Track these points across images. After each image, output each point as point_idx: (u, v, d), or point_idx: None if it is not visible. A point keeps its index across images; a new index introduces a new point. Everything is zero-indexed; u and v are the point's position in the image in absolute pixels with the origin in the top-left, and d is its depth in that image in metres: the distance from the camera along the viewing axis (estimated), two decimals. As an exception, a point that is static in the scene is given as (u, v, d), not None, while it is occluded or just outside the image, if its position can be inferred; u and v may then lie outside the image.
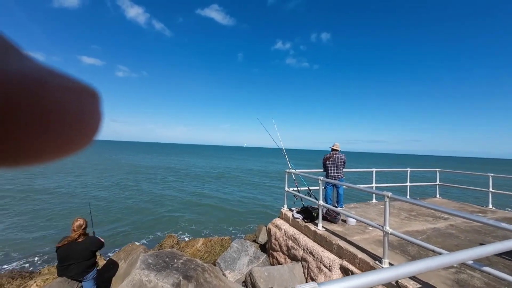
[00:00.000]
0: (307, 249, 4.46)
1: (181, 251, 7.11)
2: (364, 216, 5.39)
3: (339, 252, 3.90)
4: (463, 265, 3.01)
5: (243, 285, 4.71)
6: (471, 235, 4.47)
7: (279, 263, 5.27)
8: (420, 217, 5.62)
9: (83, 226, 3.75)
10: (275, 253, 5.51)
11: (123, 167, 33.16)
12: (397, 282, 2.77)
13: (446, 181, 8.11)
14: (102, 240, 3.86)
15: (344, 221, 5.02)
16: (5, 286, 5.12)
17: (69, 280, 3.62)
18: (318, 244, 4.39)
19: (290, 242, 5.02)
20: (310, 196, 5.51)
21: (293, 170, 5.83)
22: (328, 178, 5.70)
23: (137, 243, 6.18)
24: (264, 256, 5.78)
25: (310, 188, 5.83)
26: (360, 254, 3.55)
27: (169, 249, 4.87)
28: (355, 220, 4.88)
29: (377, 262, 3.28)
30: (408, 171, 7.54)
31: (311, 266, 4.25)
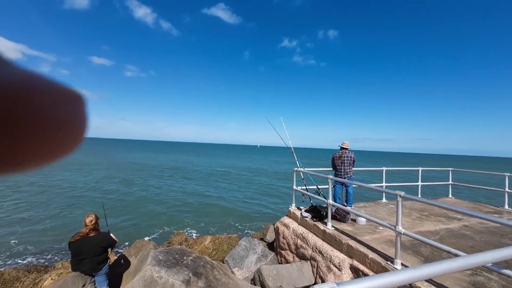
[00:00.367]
0: (316, 248, 4.43)
1: (189, 248, 7.20)
2: (374, 215, 5.30)
3: (349, 252, 3.85)
4: (479, 266, 2.92)
5: (251, 283, 4.72)
6: (486, 236, 4.34)
7: (287, 261, 5.25)
8: (432, 217, 5.49)
9: (94, 222, 3.83)
10: (283, 252, 5.50)
11: (131, 165, 33.76)
12: (410, 284, 2.71)
13: (457, 181, 7.89)
14: (116, 239, 3.94)
15: (354, 220, 4.95)
16: (21, 279, 5.29)
17: (83, 275, 3.72)
18: (327, 243, 4.35)
19: (299, 241, 4.99)
20: (319, 195, 5.46)
21: (302, 169, 5.79)
22: (337, 177, 5.63)
23: (147, 240, 6.29)
24: (272, 255, 5.78)
25: (319, 186, 5.77)
26: (371, 254, 3.50)
27: (178, 246, 4.93)
28: (365, 220, 4.81)
29: (389, 262, 3.22)
30: (420, 170, 7.37)
31: (320, 265, 4.21)
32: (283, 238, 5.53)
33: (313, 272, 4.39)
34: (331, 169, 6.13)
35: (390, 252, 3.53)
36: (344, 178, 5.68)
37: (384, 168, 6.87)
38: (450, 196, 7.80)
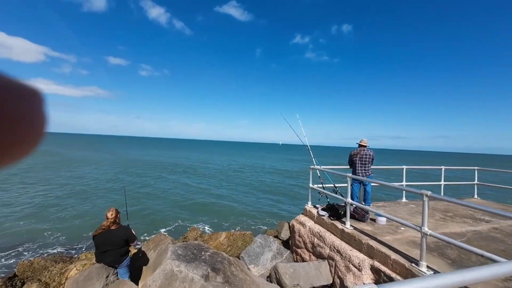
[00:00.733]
0: (334, 248, 4.34)
1: (205, 243, 7.31)
2: (394, 215, 5.11)
3: (370, 252, 3.74)
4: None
5: (267, 280, 4.72)
6: (519, 240, 4.07)
7: (303, 260, 5.20)
8: (457, 218, 5.23)
9: (114, 216, 3.97)
10: (299, 250, 5.45)
11: (145, 163, 34.76)
12: None
13: (482, 181, 7.44)
14: (135, 235, 4.07)
15: (373, 220, 4.81)
16: (49, 268, 5.59)
17: (106, 266, 3.86)
18: (346, 242, 4.25)
19: (315, 239, 4.92)
20: (336, 194, 5.35)
21: (318, 167, 5.69)
22: (355, 175, 5.48)
23: (164, 233, 6.46)
24: (287, 253, 5.74)
25: (336, 185, 5.65)
26: (394, 255, 3.38)
27: (195, 242, 5.01)
28: (385, 219, 4.66)
29: (413, 264, 3.10)
30: (443, 169, 7.03)
31: (338, 265, 4.13)
32: (299, 236, 5.47)
33: (330, 271, 4.31)
34: (348, 167, 5.98)
35: (414, 253, 3.39)
36: (362, 176, 5.52)
37: (405, 167, 6.60)
38: (476, 196, 7.40)
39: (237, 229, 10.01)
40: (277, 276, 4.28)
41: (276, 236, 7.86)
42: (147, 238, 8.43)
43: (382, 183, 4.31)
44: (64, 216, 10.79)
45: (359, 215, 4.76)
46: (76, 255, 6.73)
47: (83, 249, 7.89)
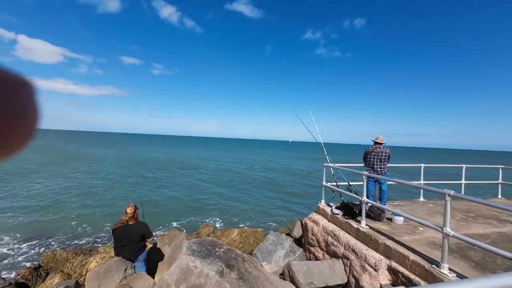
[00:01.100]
0: (349, 247, 4.27)
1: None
2: (412, 215, 4.95)
3: (387, 252, 3.64)
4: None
5: (280, 278, 4.72)
6: (549, 243, 3.83)
7: (316, 258, 5.15)
8: (479, 219, 4.99)
9: (133, 211, 4.10)
10: (312, 248, 5.40)
11: (159, 160, 35.57)
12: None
13: (508, 180, 7.05)
14: (151, 232, 4.18)
15: (389, 219, 4.68)
16: (70, 260, 5.86)
17: (124, 260, 3.99)
18: (362, 242, 4.17)
19: (329, 238, 4.85)
20: (350, 192, 5.24)
21: (332, 164, 5.59)
22: (370, 173, 5.34)
23: (175, 225, 6.61)
24: (300, 251, 5.71)
25: (350, 183, 5.53)
26: (412, 256, 3.27)
27: (209, 238, 5.07)
28: (402, 219, 4.53)
29: (434, 266, 2.99)
30: (463, 168, 6.72)
31: (353, 264, 4.06)
32: (312, 234, 5.42)
33: (345, 270, 4.24)
34: (363, 165, 5.83)
35: (434, 255, 3.27)
36: (378, 174, 5.37)
37: (423, 165, 6.36)
38: (500, 196, 7.04)
39: (247, 225, 10.08)
40: (291, 274, 4.27)
41: (288, 234, 7.84)
42: (160, 233, 8.64)
43: (401, 181, 4.18)
44: (83, 210, 11.26)
45: (374, 214, 4.65)
46: (95, 248, 7.00)
47: (102, 242, 8.21)
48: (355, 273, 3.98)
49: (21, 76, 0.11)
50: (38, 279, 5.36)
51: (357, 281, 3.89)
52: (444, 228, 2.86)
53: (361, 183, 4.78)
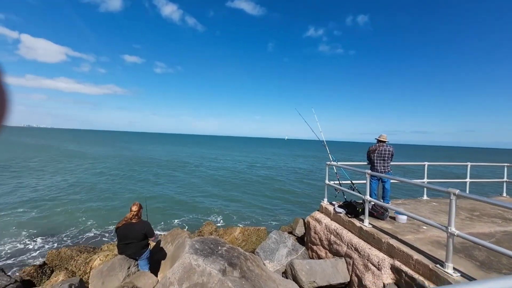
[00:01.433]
0: (352, 246, 4.25)
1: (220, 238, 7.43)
2: (416, 214, 4.91)
3: (390, 251, 3.61)
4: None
5: (282, 276, 4.72)
6: (556, 242, 3.77)
7: (319, 257, 5.14)
8: (484, 218, 4.93)
9: (137, 209, 4.12)
10: (314, 247, 5.39)
11: (160, 158, 35.74)
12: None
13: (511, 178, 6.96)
14: (153, 231, 4.20)
15: (393, 218, 4.64)
16: (75, 258, 5.93)
17: (127, 258, 4.02)
18: (364, 241, 4.14)
19: (332, 237, 4.84)
20: (353, 190, 5.21)
21: (335, 163, 5.55)
22: (373, 171, 5.30)
23: (180, 227, 6.64)
24: (302, 249, 5.71)
25: (353, 181, 5.50)
26: (416, 255, 3.24)
27: (212, 236, 5.08)
28: (406, 218, 4.49)
29: (438, 265, 2.95)
30: (468, 166, 6.63)
31: (356, 263, 4.04)
32: (315, 233, 5.41)
33: (348, 269, 4.23)
34: (366, 163, 5.79)
35: (438, 254, 3.24)
36: (381, 173, 5.33)
37: (426, 163, 6.30)
38: (505, 194, 6.95)
39: (250, 223, 10.10)
40: (293, 272, 4.26)
41: (290, 232, 7.84)
42: (159, 232, 8.69)
43: (404, 180, 4.14)
44: (88, 207, 11.37)
45: (377, 213, 4.61)
46: (98, 246, 7.07)
47: (106, 240, 8.29)
48: (358, 272, 3.96)
49: None
50: (43, 276, 5.43)
51: (360, 280, 3.87)
52: (449, 228, 2.82)
53: (364, 181, 4.74)
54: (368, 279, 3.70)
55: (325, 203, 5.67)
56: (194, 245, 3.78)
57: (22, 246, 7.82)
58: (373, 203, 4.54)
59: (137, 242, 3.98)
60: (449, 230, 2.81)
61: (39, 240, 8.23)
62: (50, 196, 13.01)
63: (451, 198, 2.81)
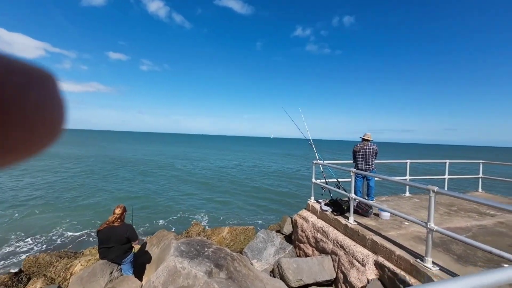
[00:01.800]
0: (337, 243, 4.32)
1: (207, 239, 7.34)
2: (398, 210, 5.07)
3: (374, 248, 3.71)
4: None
5: (270, 275, 4.73)
6: (525, 234, 4.01)
7: (306, 255, 5.20)
8: (461, 212, 5.17)
9: (121, 212, 3.98)
10: (302, 245, 5.44)
11: (146, 159, 34.92)
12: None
13: (487, 174, 7.36)
14: (137, 235, 4.08)
15: (377, 215, 4.77)
16: (54, 264, 5.65)
17: (110, 262, 3.88)
18: (350, 238, 4.23)
19: (319, 234, 4.90)
20: (339, 188, 5.30)
21: (321, 162, 5.62)
22: (358, 170, 5.42)
23: (167, 228, 6.50)
24: (290, 247, 5.75)
25: (339, 179, 5.60)
26: (398, 251, 3.34)
27: (198, 238, 5.01)
28: (389, 214, 4.62)
29: (418, 260, 3.06)
30: (447, 163, 6.93)
31: (342, 260, 4.11)
32: (302, 231, 5.46)
33: (334, 266, 4.30)
34: (351, 161, 5.91)
35: (419, 249, 3.36)
36: (366, 171, 5.46)
37: (409, 161, 6.52)
38: (480, 190, 7.33)
39: (238, 223, 10.07)
40: (280, 271, 4.28)
41: (278, 231, 7.88)
42: (141, 237, 8.49)
43: (386, 177, 4.25)
44: (69, 210, 10.89)
45: (362, 210, 4.72)
46: (80, 251, 6.79)
47: (88, 244, 7.97)
48: (343, 268, 4.03)
49: (43, 68, 0.11)
50: (19, 284, 5.14)
51: (345, 276, 3.95)
52: (428, 223, 2.92)
53: (350, 179, 4.84)
54: (353, 275, 3.77)
55: (312, 201, 5.74)
56: (179, 247, 3.71)
57: (-4, 253, 7.38)
58: (358, 200, 4.63)
59: (120, 246, 3.84)
60: (428, 226, 2.91)
61: (14, 245, 7.79)
62: (26, 198, 12.36)
63: (430, 195, 2.91)
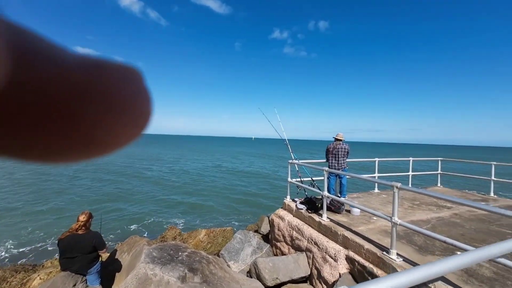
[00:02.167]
0: (312, 240, 4.45)
1: (184, 242, 7.13)
2: (367, 206, 5.35)
3: (345, 243, 3.87)
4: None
5: (247, 276, 4.73)
6: (475, 224, 4.47)
7: (282, 253, 5.28)
8: (423, 206, 5.62)
9: (86, 219, 3.70)
10: (278, 244, 5.52)
11: (119, 160, 33.08)
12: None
13: (446, 170, 8.10)
14: (105, 243, 3.81)
15: (348, 211, 4.99)
16: (8, 279, 5.10)
17: (73, 274, 3.59)
18: (323, 234, 4.37)
19: (294, 232, 5.00)
20: (314, 187, 5.46)
21: (296, 161, 5.75)
22: (331, 168, 5.64)
23: (140, 234, 6.20)
24: (267, 247, 5.80)
25: (313, 178, 5.77)
26: (367, 245, 3.53)
27: (172, 242, 4.85)
28: (359, 210, 4.85)
29: (384, 253, 3.26)
30: (411, 161, 7.49)
31: (316, 257, 4.24)
32: (278, 230, 5.53)
33: (308, 263, 4.42)
34: (325, 160, 6.12)
35: (385, 242, 3.57)
36: (338, 169, 5.69)
37: (377, 159, 6.93)
38: (439, 185, 8.01)
39: (216, 225, 9.92)
40: (257, 271, 4.30)
41: (256, 231, 7.90)
42: (111, 244, 8.03)
43: (355, 175, 4.47)
44: (28, 217, 9.89)
45: (335, 207, 4.91)
46: (40, 263, 6.21)
47: (49, 255, 7.30)
48: (317, 264, 4.16)
49: (132, 65, 0.12)
50: (-36, 305, 4.56)
51: (319, 272, 4.08)
52: (393, 218, 3.12)
53: (324, 178, 5.00)
54: (326, 270, 3.91)
55: (288, 200, 5.84)
56: (151, 253, 3.55)
57: None
58: (331, 198, 4.81)
59: (84, 255, 3.57)
60: (392, 220, 3.11)
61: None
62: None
63: (394, 191, 3.12)
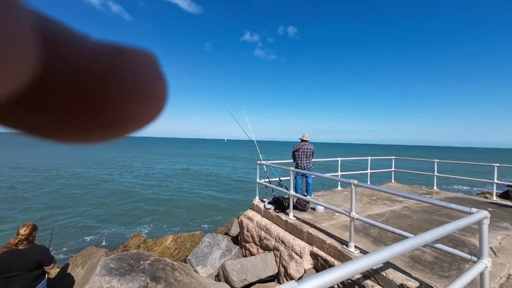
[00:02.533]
0: (279, 238, 4.55)
1: (148, 250, 6.73)
2: (331, 203, 5.67)
3: (309, 239, 4.04)
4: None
5: (216, 280, 4.65)
6: (421, 215, 5.02)
7: (251, 254, 5.30)
8: (379, 201, 6.13)
9: (28, 232, 3.27)
10: (247, 245, 5.53)
11: (80, 162, 30.06)
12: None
13: (399, 167, 8.99)
14: (54, 257, 3.41)
15: (314, 209, 5.22)
16: None
17: (12, 295, 3.14)
18: (290, 232, 4.50)
19: (262, 232, 5.06)
20: (281, 187, 5.60)
21: (264, 162, 5.84)
22: (298, 168, 5.84)
23: (97, 244, 5.67)
24: (236, 249, 5.77)
25: (281, 178, 5.91)
26: (329, 240, 3.72)
27: (134, 250, 4.55)
28: (323, 208, 5.11)
29: (344, 246, 3.47)
30: (369, 160, 8.13)
31: (283, 255, 4.34)
32: (247, 231, 5.55)
33: (276, 261, 4.51)
34: (292, 161, 6.33)
35: (345, 236, 3.81)
36: (304, 169, 5.92)
37: (340, 159, 7.38)
38: (393, 181, 8.83)
39: (184, 230, 9.57)
40: (225, 274, 4.25)
41: (226, 233, 7.83)
42: (63, 257, 7.29)
43: (318, 175, 4.70)
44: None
45: (301, 206, 5.09)
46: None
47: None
48: (284, 262, 4.27)
49: (147, 50, 0.13)
50: None
51: (286, 269, 4.18)
52: (351, 213, 3.35)
53: (291, 178, 5.16)
54: (292, 267, 4.03)
55: (256, 201, 5.90)
56: (108, 264, 3.28)
57: None
58: (297, 197, 4.98)
59: (26, 273, 3.15)
60: (350, 215, 3.34)
61: None
62: None
63: (352, 188, 3.35)
